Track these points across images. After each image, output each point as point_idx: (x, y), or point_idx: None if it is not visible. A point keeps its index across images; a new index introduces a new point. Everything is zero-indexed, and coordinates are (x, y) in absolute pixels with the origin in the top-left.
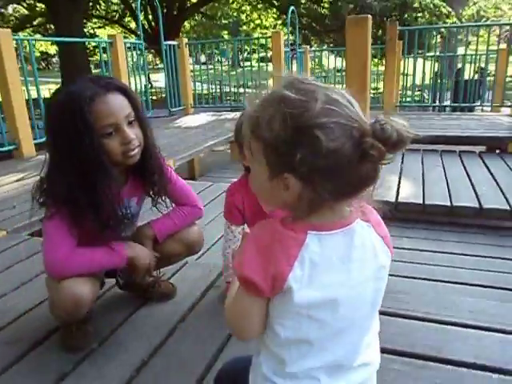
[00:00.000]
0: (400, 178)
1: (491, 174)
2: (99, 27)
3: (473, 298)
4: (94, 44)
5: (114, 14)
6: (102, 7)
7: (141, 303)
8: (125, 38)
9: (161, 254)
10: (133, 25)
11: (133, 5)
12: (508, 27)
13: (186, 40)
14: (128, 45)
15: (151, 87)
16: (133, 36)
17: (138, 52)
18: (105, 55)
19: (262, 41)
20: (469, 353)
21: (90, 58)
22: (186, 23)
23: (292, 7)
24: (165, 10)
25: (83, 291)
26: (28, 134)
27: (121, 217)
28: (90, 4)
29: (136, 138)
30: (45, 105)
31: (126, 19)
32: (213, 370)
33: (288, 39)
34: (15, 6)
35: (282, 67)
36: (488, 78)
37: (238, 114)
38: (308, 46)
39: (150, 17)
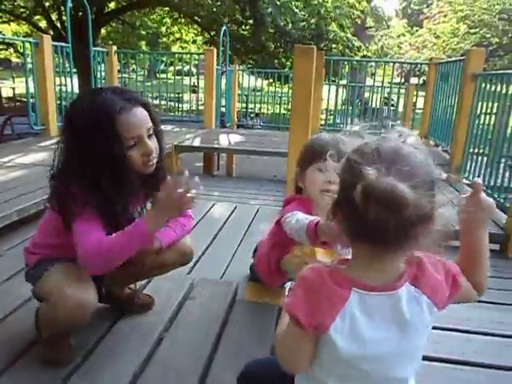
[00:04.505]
0: None
1: None
2: (3, 22)
3: None
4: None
5: (23, 10)
6: (8, 2)
7: (119, 315)
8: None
9: (156, 263)
10: (43, 24)
11: (45, 3)
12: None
13: (115, 48)
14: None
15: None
16: (40, 34)
17: (65, 55)
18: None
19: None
20: None
21: None
22: (103, 29)
23: (224, 27)
24: (80, 13)
25: (89, 296)
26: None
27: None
28: None
29: (155, 149)
30: (66, 112)
31: (36, 17)
32: (208, 378)
33: (220, 57)
34: None
35: (213, 83)
36: (392, 108)
37: (161, 127)
38: (237, 66)
39: (64, 18)
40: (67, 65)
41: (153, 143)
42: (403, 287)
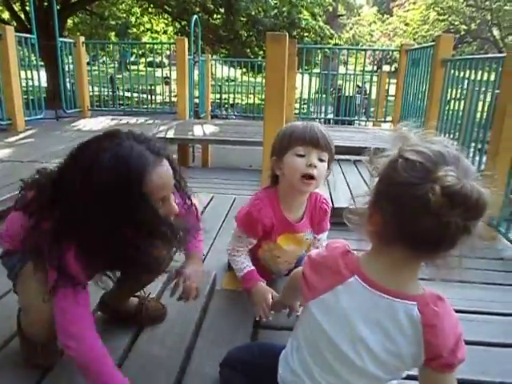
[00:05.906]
0: None
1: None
2: None
3: None
4: None
5: None
6: None
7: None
8: None
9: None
10: (5, 15)
11: None
12: (380, 52)
13: (82, 38)
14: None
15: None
16: (3, 26)
17: (30, 47)
18: None
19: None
20: None
21: None
22: (69, 20)
23: (195, 16)
24: (45, 3)
25: None
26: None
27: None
28: None
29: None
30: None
31: None
32: (189, 368)
33: (192, 47)
34: None
35: (185, 74)
36: (365, 96)
37: (134, 119)
38: (209, 56)
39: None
40: (33, 57)
41: (174, 198)
42: (408, 303)
